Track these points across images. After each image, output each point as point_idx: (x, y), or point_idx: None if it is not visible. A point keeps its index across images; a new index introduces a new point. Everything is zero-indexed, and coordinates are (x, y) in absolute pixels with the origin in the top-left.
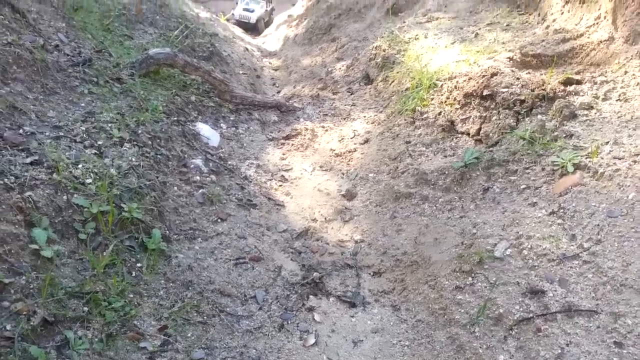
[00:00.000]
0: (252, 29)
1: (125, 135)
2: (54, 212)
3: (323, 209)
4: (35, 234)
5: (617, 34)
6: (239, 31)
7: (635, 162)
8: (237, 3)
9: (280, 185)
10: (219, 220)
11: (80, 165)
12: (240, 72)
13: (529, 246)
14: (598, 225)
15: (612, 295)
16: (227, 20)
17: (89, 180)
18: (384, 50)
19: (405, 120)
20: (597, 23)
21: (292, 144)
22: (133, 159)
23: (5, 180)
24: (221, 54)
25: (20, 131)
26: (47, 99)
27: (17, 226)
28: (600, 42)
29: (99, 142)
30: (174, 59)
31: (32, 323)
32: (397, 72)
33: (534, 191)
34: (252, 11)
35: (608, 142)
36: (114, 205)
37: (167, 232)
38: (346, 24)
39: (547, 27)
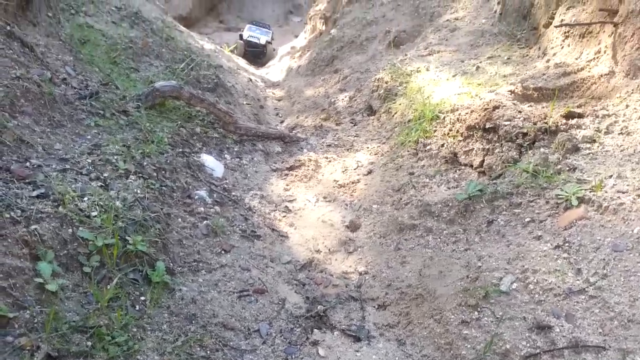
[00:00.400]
0: (260, 52)
1: (131, 167)
2: (59, 245)
3: (327, 240)
4: (40, 268)
5: (617, 68)
6: (242, 62)
7: (639, 196)
8: (243, 30)
9: (284, 216)
10: (223, 251)
11: (85, 198)
12: (244, 102)
13: (535, 280)
14: (604, 259)
15: (620, 331)
16: (232, 51)
17: (94, 213)
18: (386, 82)
19: (408, 151)
20: (597, 57)
21: (296, 175)
22: (138, 191)
23: (12, 213)
24: (225, 85)
25: (27, 164)
26: (54, 132)
27: (22, 260)
28: (601, 76)
29: (105, 175)
30: (179, 92)
31: (35, 358)
32: (400, 104)
33: (538, 224)
34: (260, 36)
35: (611, 175)
36: (119, 238)
37: (171, 264)
38: (348, 56)
39: (548, 60)
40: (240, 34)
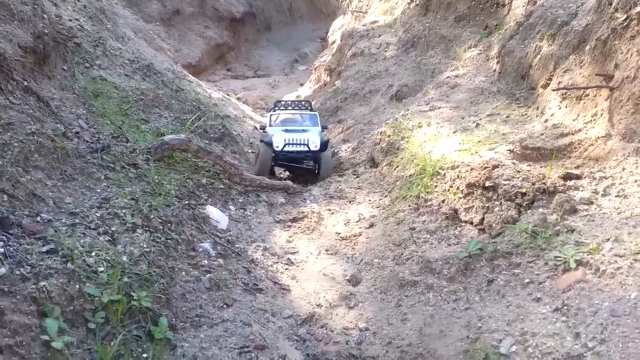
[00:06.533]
0: (314, 161)
1: (138, 221)
2: (65, 302)
3: (328, 294)
4: (47, 324)
5: (613, 131)
6: (248, 109)
7: (635, 260)
8: (269, 125)
9: (287, 269)
10: (225, 305)
11: (93, 253)
12: (249, 150)
13: (534, 344)
14: (602, 324)
15: None
16: (238, 98)
17: (101, 269)
18: (388, 136)
19: (409, 206)
20: (594, 120)
21: (299, 227)
22: (144, 245)
23: (22, 270)
24: (232, 134)
25: (38, 218)
26: (65, 186)
27: (29, 317)
28: (598, 138)
29: (113, 228)
30: (187, 145)
31: None
32: (402, 158)
33: (537, 286)
34: (306, 131)
35: (609, 239)
36: (124, 294)
37: (174, 319)
38: (352, 107)
39: (546, 120)
40: (266, 139)
